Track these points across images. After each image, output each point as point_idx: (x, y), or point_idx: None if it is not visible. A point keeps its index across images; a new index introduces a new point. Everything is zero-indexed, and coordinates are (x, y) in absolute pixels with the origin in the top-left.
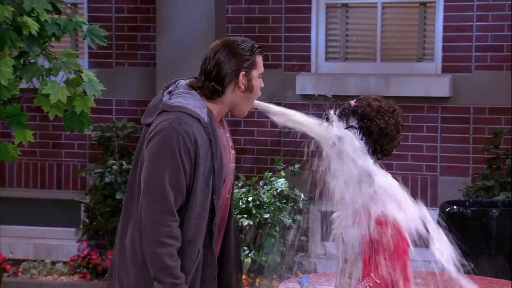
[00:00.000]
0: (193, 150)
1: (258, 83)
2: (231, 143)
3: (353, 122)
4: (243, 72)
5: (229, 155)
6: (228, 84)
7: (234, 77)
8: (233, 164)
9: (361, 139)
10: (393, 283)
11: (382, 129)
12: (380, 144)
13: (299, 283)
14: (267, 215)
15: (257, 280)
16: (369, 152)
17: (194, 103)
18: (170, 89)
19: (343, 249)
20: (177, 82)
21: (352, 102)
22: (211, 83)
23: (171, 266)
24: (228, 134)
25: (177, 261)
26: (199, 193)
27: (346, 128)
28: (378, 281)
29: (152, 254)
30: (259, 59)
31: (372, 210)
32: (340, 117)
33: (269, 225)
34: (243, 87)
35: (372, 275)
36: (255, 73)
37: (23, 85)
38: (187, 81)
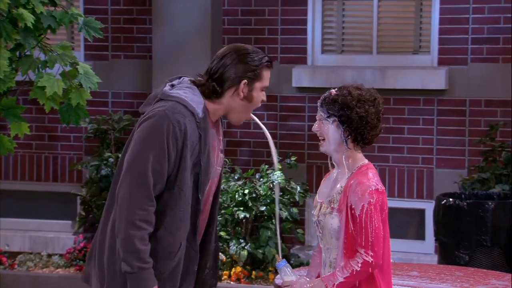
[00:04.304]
0: (181, 140)
1: (259, 95)
2: (221, 146)
3: (334, 111)
4: (245, 81)
5: (217, 157)
6: (228, 88)
7: (235, 83)
8: (220, 168)
9: (342, 128)
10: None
11: (362, 118)
12: (361, 133)
13: (277, 267)
14: (263, 208)
15: (253, 272)
16: (347, 141)
17: (193, 97)
18: (173, 82)
19: (322, 237)
20: (182, 78)
21: (333, 91)
22: (213, 83)
23: (141, 250)
24: (220, 137)
25: (147, 246)
26: (185, 187)
27: (328, 116)
28: (371, 259)
29: (124, 234)
30: (266, 73)
31: (351, 197)
32: (321, 106)
33: (265, 217)
34: (242, 95)
35: (363, 251)
36: (258, 85)
37: (19, 77)
38: (192, 78)
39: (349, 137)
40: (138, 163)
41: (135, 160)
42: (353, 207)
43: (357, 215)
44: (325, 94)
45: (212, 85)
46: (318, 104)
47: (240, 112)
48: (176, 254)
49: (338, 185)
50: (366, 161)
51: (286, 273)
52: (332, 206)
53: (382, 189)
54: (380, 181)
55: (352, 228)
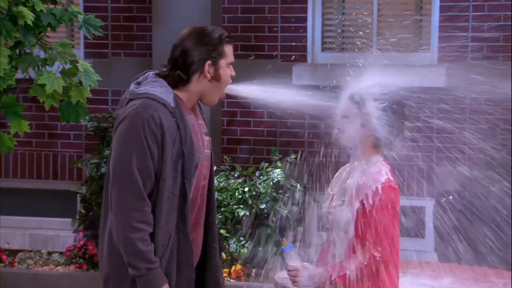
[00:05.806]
0: (160, 134)
1: (226, 72)
2: (204, 129)
3: (360, 108)
4: (209, 62)
5: (202, 141)
6: (194, 73)
7: (199, 66)
8: (208, 150)
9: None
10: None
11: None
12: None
13: (284, 251)
14: (263, 206)
15: (253, 270)
16: (369, 139)
17: (161, 89)
18: (139, 80)
19: (331, 229)
20: (146, 73)
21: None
22: (177, 72)
23: (145, 250)
24: (201, 121)
25: (150, 246)
26: (167, 177)
27: (353, 113)
28: (379, 255)
29: (124, 239)
30: (228, 48)
31: (363, 191)
32: (349, 101)
33: (266, 215)
34: (209, 76)
35: (371, 246)
36: (223, 63)
37: (19, 75)
38: (157, 71)
39: (372, 135)
40: (122, 166)
41: (119, 163)
42: (363, 202)
43: (367, 210)
44: (354, 91)
45: (177, 74)
46: (345, 98)
47: (212, 93)
48: (167, 246)
49: (351, 179)
50: (382, 158)
51: (292, 258)
52: (343, 199)
53: (395, 186)
54: (394, 179)
55: (362, 223)
